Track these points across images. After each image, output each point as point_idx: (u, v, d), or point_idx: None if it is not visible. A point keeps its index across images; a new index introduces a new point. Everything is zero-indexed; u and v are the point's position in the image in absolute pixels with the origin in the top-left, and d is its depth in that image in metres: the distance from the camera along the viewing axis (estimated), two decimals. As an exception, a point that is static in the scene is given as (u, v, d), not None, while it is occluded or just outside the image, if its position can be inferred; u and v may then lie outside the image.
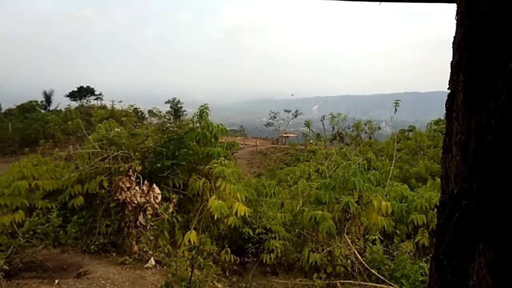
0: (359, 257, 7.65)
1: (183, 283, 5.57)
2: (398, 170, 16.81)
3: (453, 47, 1.36)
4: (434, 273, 1.45)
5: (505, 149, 1.05)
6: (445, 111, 1.44)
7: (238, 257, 8.22)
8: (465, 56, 1.25)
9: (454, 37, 1.35)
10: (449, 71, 1.41)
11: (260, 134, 59.13)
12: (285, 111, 58.81)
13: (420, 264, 7.10)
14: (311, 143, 31.76)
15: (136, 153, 8.45)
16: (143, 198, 7.66)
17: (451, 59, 1.39)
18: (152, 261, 7.16)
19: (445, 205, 1.37)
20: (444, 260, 1.34)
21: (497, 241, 1.06)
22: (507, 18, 1.09)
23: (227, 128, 10.11)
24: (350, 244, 7.89)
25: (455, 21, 1.35)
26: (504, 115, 1.05)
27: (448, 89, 1.40)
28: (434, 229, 1.46)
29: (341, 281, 7.43)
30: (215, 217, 7.89)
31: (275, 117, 55.87)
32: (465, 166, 1.24)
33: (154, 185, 7.88)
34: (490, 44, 1.14)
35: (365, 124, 26.48)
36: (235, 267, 8.30)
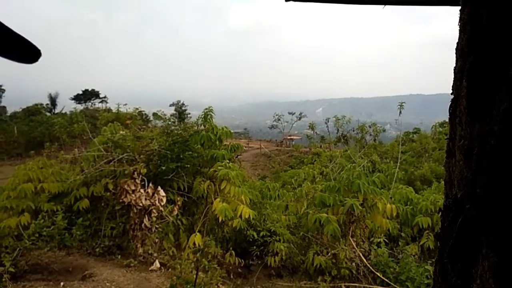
0: (364, 260, 7.63)
1: (188, 286, 5.58)
2: (403, 172, 16.74)
3: (456, 53, 1.37)
4: (438, 276, 1.45)
5: (508, 154, 1.06)
6: (448, 116, 1.45)
7: (242, 260, 8.22)
8: (468, 62, 1.26)
9: (457, 43, 1.36)
10: (453, 75, 1.41)
11: (265, 136, 59.05)
12: (289, 113, 58.68)
13: (426, 267, 7.08)
14: (315, 145, 31.72)
15: (141, 156, 8.49)
16: (148, 201, 7.68)
17: (454, 64, 1.40)
18: (157, 264, 7.18)
19: (449, 209, 1.38)
20: (448, 263, 1.35)
21: (500, 245, 1.07)
22: (510, 24, 1.10)
23: (232, 131, 10.12)
24: (355, 246, 7.87)
25: (458, 27, 1.36)
26: (506, 121, 1.06)
27: (451, 94, 1.41)
28: (438, 233, 1.46)
29: (346, 284, 7.41)
30: (220, 220, 7.90)
31: (279, 120, 55.71)
32: (468, 171, 1.24)
33: (159, 188, 7.90)
34: (493, 50, 1.15)
35: (370, 127, 26.47)
36: (239, 270, 8.29)
